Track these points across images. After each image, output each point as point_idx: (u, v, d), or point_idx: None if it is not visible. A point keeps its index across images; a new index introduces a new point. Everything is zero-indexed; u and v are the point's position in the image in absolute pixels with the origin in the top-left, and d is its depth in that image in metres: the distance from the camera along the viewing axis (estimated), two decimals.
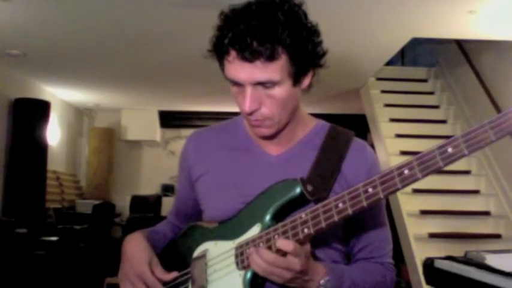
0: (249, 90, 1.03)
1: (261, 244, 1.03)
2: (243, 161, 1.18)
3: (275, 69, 1.01)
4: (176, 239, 1.28)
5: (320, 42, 1.07)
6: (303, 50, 1.03)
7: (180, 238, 1.25)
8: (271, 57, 0.99)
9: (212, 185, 1.19)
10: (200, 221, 1.22)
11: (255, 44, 0.98)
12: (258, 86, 1.03)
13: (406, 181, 0.89)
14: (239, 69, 1.02)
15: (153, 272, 1.16)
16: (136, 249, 1.18)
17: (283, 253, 0.98)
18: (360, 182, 1.08)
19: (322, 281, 1.03)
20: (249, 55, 0.99)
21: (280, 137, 1.15)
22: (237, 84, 1.05)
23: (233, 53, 1.01)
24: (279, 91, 1.04)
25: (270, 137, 1.14)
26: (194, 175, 1.23)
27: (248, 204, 1.11)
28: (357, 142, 1.17)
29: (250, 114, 1.06)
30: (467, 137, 0.84)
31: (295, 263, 0.97)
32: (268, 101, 1.05)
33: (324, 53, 1.08)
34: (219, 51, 1.05)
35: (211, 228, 1.17)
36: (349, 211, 0.94)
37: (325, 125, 1.21)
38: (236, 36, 1.00)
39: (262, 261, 0.97)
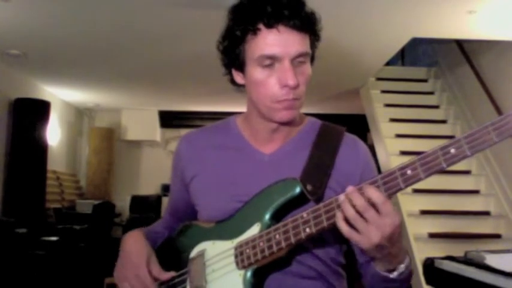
0: (288, 63, 1.02)
1: (261, 244, 1.02)
2: (236, 160, 1.17)
3: (308, 44, 1.05)
4: (171, 238, 1.27)
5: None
6: (318, 32, 1.08)
7: (176, 237, 1.24)
8: (311, 29, 1.04)
9: (206, 185, 1.18)
10: (196, 221, 1.22)
11: (302, 12, 1.02)
12: (294, 61, 1.03)
13: (409, 181, 0.89)
14: (282, 41, 1.02)
15: (150, 272, 1.16)
16: (135, 248, 1.18)
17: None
18: (355, 176, 1.09)
19: (403, 265, 0.99)
20: (298, 22, 1.01)
21: (274, 135, 1.15)
22: (267, 64, 1.03)
23: (277, 25, 1.01)
24: (307, 68, 1.06)
25: (287, 123, 1.12)
26: (187, 176, 1.22)
27: (246, 203, 1.10)
28: (349, 137, 1.17)
29: (294, 88, 1.03)
30: (470, 138, 0.84)
31: (386, 223, 0.89)
32: (301, 78, 1.05)
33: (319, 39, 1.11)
34: (255, 24, 1.02)
35: (208, 227, 1.16)
36: None
37: (316, 122, 1.20)
38: (282, 4, 1.01)
39: (351, 207, 0.90)
